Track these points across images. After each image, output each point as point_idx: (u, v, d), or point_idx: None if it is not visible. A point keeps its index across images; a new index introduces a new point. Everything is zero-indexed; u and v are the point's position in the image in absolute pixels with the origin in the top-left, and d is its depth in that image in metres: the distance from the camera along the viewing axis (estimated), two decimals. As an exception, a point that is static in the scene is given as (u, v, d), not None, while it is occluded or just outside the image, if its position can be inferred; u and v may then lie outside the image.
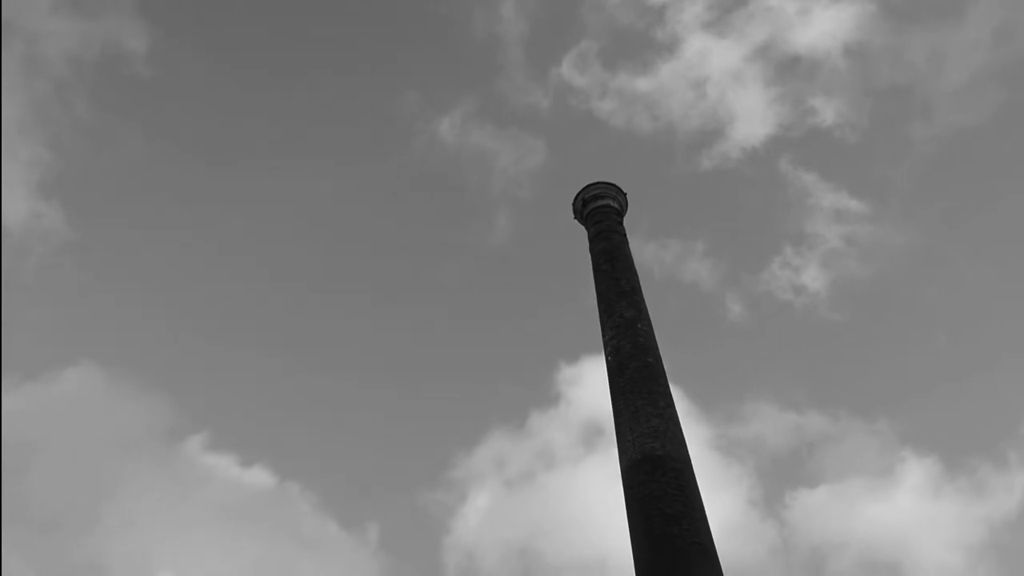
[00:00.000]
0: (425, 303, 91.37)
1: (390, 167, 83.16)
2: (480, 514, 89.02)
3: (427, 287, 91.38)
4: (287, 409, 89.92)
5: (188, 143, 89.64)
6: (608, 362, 18.99)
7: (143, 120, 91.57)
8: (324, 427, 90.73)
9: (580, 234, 22.04)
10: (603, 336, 19.60)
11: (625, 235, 21.05)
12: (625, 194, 21.88)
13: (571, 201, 22.15)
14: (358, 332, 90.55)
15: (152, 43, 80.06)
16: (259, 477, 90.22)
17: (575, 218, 22.12)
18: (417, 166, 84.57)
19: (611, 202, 21.44)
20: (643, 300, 19.81)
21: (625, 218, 21.83)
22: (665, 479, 16.13)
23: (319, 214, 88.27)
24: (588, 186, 21.72)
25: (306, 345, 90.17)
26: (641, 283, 20.38)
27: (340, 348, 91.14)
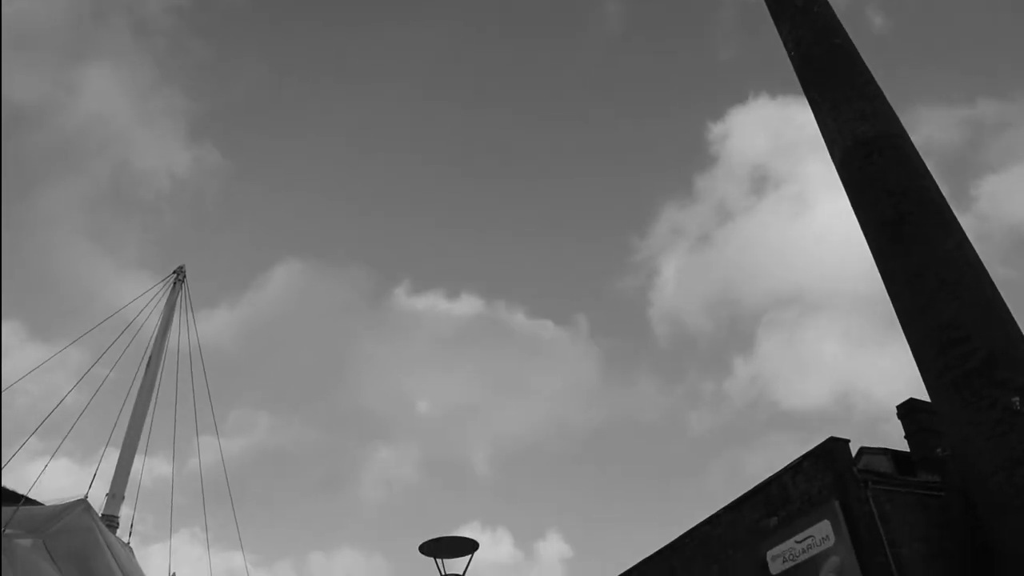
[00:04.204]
0: (562, 109, 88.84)
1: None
2: (673, 283, 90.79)
3: (559, 91, 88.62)
4: (472, 235, 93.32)
5: (296, 43, 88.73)
6: (792, 58, 18.16)
7: (254, 41, 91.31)
8: (511, 244, 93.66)
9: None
10: (779, 32, 18.65)
11: (774, -86, 19.23)
12: None
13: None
14: (511, 145, 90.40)
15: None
16: (468, 304, 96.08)
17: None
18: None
19: None
20: (812, -21, 18.40)
21: None
22: (883, 159, 15.78)
23: (442, 58, 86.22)
24: None
25: (468, 170, 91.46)
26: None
27: (502, 165, 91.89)
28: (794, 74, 18.28)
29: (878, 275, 15.16)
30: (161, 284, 26.95)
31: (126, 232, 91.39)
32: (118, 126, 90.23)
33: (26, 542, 13.95)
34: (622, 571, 24.32)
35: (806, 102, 18.09)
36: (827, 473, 16.71)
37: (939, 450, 18.19)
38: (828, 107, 17.05)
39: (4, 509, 14.96)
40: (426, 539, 12.74)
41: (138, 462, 24.02)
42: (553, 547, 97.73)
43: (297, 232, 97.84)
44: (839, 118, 16.70)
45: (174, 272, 27.41)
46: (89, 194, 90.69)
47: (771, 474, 18.51)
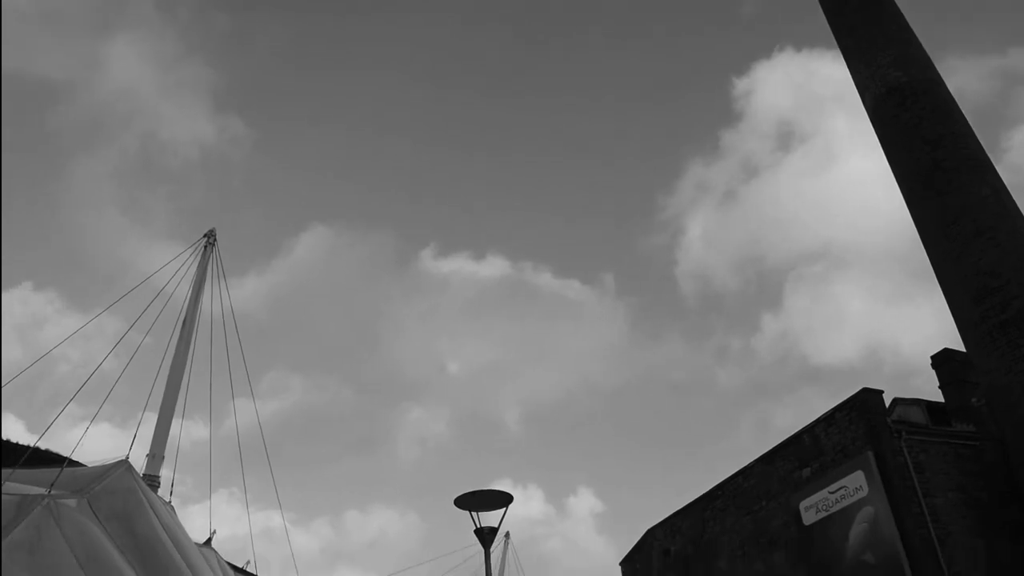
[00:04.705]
0: (585, 69, 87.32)
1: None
2: (700, 240, 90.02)
3: (581, 50, 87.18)
4: (496, 196, 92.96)
5: (317, 12, 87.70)
6: (822, 3, 17.72)
7: (275, 10, 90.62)
8: (536, 204, 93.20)
9: None
10: (810, -23, 18.18)
11: None
12: None
13: None
14: (536, 106, 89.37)
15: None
16: (494, 265, 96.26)
17: None
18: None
19: None
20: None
21: None
22: (917, 105, 15.44)
23: (468, 21, 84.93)
24: None
25: (491, 132, 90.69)
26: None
27: (526, 124, 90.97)
28: (820, 26, 17.92)
29: (905, 229, 14.99)
30: (192, 248, 27.18)
31: (155, 203, 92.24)
32: (144, 98, 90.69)
33: (71, 502, 14.27)
34: (654, 523, 24.52)
35: (831, 55, 18.17)
36: (860, 424, 16.63)
37: (974, 400, 18.03)
38: (860, 53, 16.66)
39: (47, 471, 15.32)
40: (459, 495, 12.86)
41: (176, 425, 24.48)
42: (584, 502, 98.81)
43: (322, 198, 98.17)
44: (872, 64, 16.32)
45: (204, 236, 27.58)
46: (118, 166, 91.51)
47: (803, 426, 18.48)
